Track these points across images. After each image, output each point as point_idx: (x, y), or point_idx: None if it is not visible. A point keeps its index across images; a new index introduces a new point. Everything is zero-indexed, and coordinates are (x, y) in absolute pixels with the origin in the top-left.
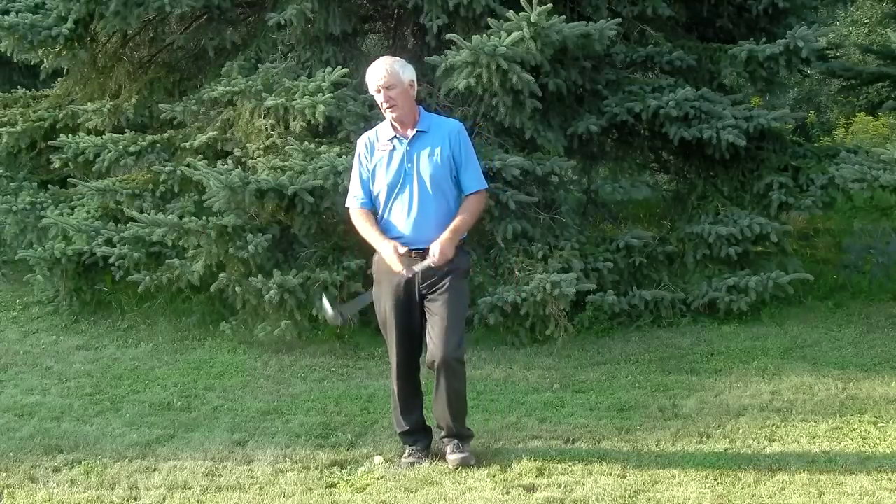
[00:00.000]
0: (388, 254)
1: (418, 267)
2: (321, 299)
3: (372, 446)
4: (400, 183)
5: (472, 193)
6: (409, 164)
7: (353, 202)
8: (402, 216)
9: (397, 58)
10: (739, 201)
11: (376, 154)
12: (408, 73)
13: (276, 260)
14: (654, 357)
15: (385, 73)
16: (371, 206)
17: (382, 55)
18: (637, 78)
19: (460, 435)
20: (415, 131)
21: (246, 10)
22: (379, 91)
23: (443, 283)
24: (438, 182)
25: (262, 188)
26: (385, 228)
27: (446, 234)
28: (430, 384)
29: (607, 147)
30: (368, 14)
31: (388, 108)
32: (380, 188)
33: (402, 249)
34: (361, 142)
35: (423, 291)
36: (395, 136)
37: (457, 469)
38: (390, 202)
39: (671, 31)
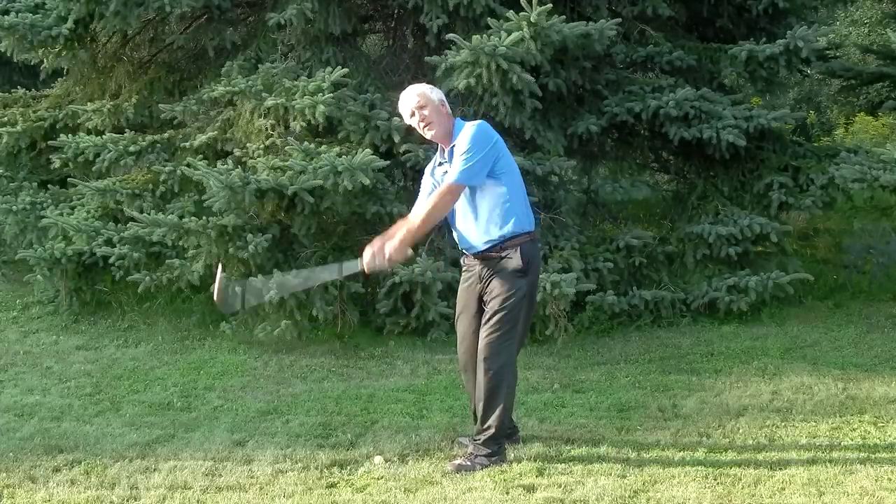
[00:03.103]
0: None
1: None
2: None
3: (372, 446)
4: None
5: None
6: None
7: None
8: (457, 224)
9: (424, 83)
10: (739, 201)
11: (437, 175)
12: (436, 93)
13: (276, 260)
14: (654, 357)
15: (416, 95)
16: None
17: (382, 55)
18: (637, 78)
19: (481, 437)
20: (448, 147)
21: (246, 10)
22: (413, 114)
23: (491, 283)
24: (465, 191)
25: (262, 188)
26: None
27: (394, 236)
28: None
29: (607, 147)
30: (368, 14)
31: (424, 127)
32: None
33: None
34: (426, 172)
35: (480, 291)
36: (441, 157)
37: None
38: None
39: (671, 31)
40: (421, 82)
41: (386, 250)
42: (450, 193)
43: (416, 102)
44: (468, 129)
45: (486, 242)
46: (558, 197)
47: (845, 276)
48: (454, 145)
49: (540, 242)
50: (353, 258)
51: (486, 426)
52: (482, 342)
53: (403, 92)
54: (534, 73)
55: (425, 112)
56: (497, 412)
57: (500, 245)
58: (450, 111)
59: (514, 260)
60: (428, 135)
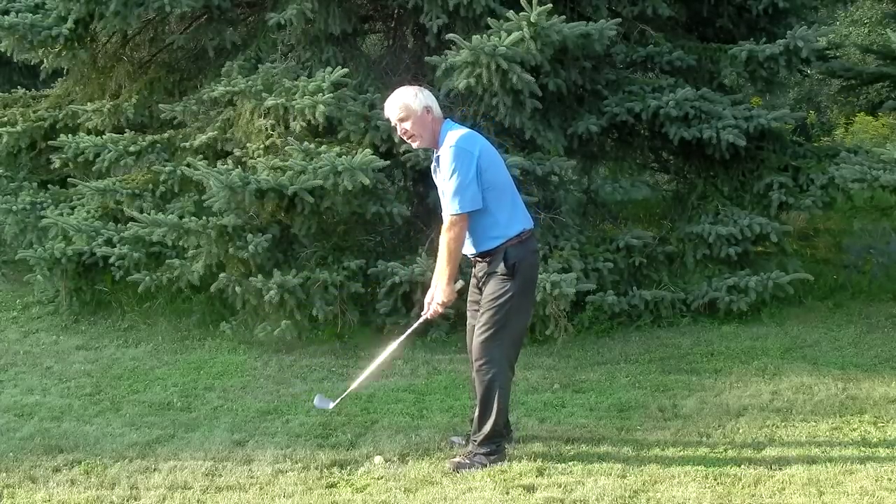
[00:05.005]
0: None
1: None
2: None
3: (372, 446)
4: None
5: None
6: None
7: None
8: None
9: (410, 87)
10: (739, 201)
11: (437, 180)
12: (419, 101)
13: (276, 260)
14: (654, 357)
15: (398, 107)
16: None
17: (382, 55)
18: (637, 78)
19: (478, 436)
20: (436, 155)
21: (246, 10)
22: (396, 126)
23: (483, 285)
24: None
25: (262, 188)
26: None
27: (433, 284)
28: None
29: (607, 147)
30: (368, 14)
31: (408, 139)
32: None
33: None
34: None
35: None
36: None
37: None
38: None
39: (671, 31)
40: (420, 82)
41: (433, 298)
42: (455, 226)
43: (396, 115)
44: (447, 154)
45: (472, 254)
46: (558, 197)
47: (845, 276)
48: (439, 155)
49: (537, 241)
50: (353, 258)
51: (482, 426)
52: (474, 343)
53: (390, 97)
54: (534, 73)
55: (406, 125)
56: (492, 413)
57: (484, 253)
58: (437, 114)
59: (498, 264)
60: (413, 145)
